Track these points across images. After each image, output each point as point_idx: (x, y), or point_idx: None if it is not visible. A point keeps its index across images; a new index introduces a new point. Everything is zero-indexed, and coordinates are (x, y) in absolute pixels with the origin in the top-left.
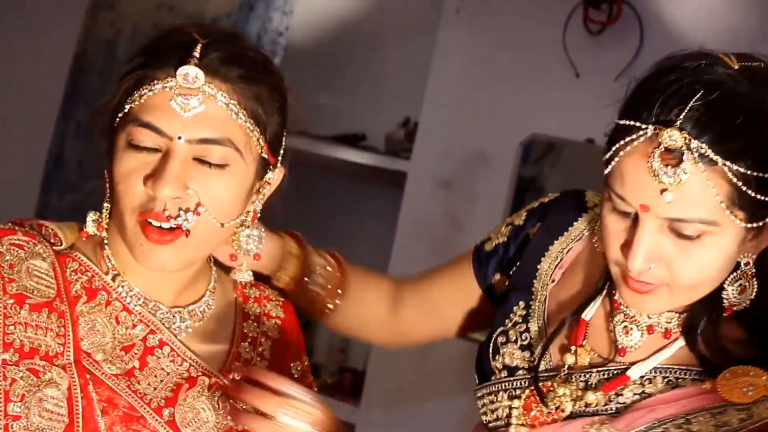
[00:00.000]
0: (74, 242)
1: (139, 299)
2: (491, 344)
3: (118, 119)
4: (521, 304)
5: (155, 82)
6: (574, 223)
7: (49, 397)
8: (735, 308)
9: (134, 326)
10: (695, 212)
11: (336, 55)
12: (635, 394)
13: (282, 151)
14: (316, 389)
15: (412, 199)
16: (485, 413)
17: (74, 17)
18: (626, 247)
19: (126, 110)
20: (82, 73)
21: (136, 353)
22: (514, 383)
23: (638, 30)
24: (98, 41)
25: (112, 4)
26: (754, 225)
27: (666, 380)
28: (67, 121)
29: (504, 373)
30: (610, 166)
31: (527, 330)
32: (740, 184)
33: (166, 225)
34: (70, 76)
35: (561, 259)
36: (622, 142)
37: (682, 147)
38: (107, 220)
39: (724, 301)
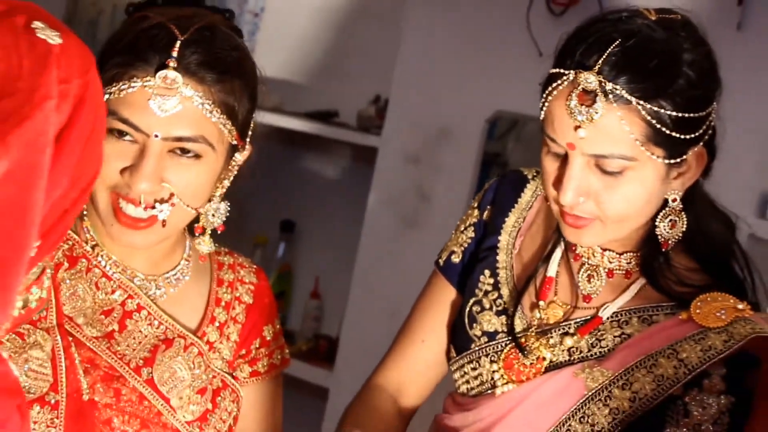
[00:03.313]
0: None
1: (117, 267)
2: (466, 315)
3: None
4: (487, 272)
5: (134, 79)
6: (521, 194)
7: (33, 358)
8: (668, 242)
9: (113, 292)
10: (614, 149)
11: (309, 35)
12: (615, 336)
13: (250, 132)
14: (287, 351)
15: (383, 174)
16: (467, 381)
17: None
18: (559, 183)
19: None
20: None
21: (115, 317)
22: (495, 347)
23: (599, 11)
24: (80, 22)
25: None
26: (673, 161)
27: (641, 319)
28: None
29: (484, 339)
30: (543, 112)
31: (500, 296)
32: (654, 122)
33: (142, 215)
34: None
35: (519, 229)
36: (550, 88)
37: (596, 89)
38: None
39: (658, 236)
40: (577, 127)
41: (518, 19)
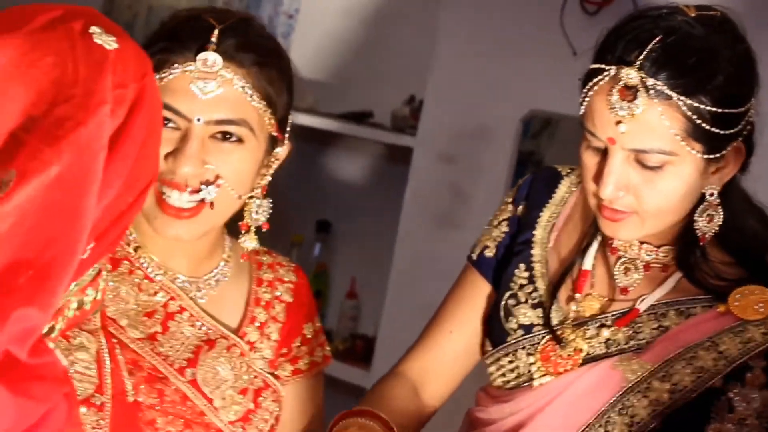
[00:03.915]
0: None
1: (159, 268)
2: (502, 308)
3: None
4: (522, 266)
5: (175, 65)
6: (555, 191)
7: (79, 360)
8: (706, 236)
9: (156, 293)
10: (654, 143)
11: (344, 36)
12: (653, 329)
13: (288, 128)
14: (328, 349)
15: (418, 174)
16: (503, 374)
17: (93, 2)
18: (599, 177)
19: None
20: None
21: (158, 318)
22: (532, 339)
23: (632, 10)
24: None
25: None
26: (712, 156)
27: (679, 312)
28: None
29: (520, 332)
30: (583, 107)
31: (535, 290)
32: (694, 117)
33: (185, 204)
34: None
35: (554, 224)
36: (591, 83)
37: (638, 84)
38: None
39: (696, 231)
40: (618, 122)
41: (552, 18)
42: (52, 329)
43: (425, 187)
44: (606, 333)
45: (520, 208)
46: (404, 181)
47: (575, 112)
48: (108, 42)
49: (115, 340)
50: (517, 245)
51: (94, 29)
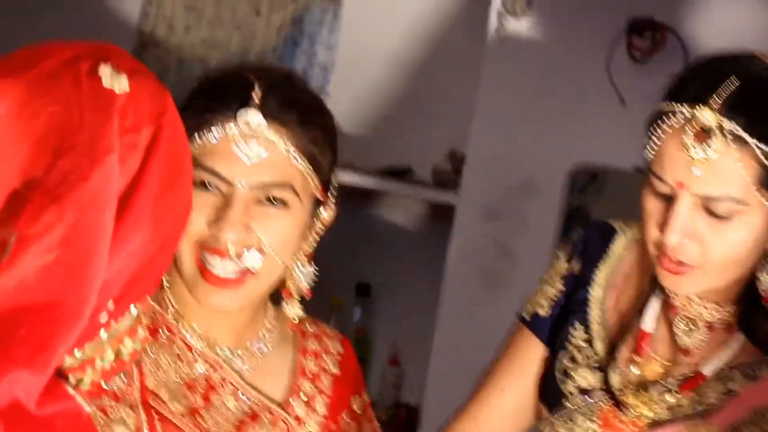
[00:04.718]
0: None
1: (201, 339)
2: (558, 370)
3: None
4: (579, 326)
5: (216, 125)
6: (611, 246)
7: None
8: None
9: (197, 364)
10: (725, 190)
11: (381, 89)
12: (720, 393)
13: (333, 189)
14: (378, 424)
15: (462, 231)
16: None
17: None
18: (663, 225)
19: None
20: None
21: (200, 391)
22: (591, 404)
23: (683, 57)
24: None
25: (159, 42)
26: None
27: (745, 375)
28: None
29: (579, 396)
30: (651, 150)
31: (594, 352)
32: None
33: (230, 275)
34: None
35: (612, 282)
36: (661, 124)
37: (714, 127)
38: None
39: (760, 290)
40: (690, 166)
41: (598, 67)
42: (80, 381)
43: (470, 244)
44: (670, 398)
45: (576, 264)
46: (446, 239)
47: (623, 163)
48: (118, 83)
49: (155, 414)
50: (572, 304)
51: (103, 70)
